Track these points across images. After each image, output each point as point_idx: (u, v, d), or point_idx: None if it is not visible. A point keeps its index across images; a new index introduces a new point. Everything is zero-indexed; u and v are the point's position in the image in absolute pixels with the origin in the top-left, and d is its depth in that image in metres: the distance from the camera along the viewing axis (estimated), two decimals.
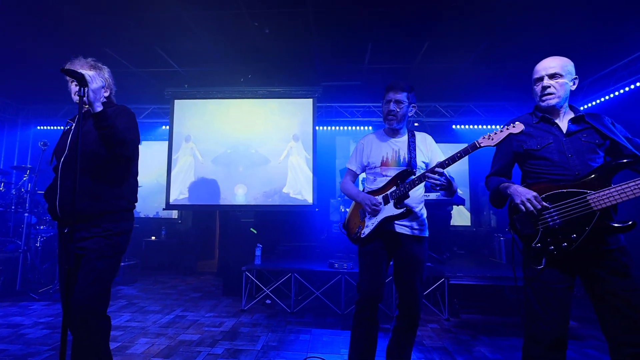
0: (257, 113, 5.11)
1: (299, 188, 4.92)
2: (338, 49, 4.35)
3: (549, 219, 1.48)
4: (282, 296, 3.96)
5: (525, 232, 1.55)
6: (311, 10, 3.56)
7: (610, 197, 1.38)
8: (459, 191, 4.96)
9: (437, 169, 1.69)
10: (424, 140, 2.08)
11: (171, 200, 5.00)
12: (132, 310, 3.67)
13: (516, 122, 1.56)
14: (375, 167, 2.04)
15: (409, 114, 2.05)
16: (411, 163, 1.96)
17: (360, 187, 2.24)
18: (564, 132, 1.60)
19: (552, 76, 1.60)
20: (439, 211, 4.47)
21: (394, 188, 1.90)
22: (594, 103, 4.77)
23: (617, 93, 4.38)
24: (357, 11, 3.59)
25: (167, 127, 5.37)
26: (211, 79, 5.11)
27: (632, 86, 4.18)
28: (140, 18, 3.66)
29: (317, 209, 4.92)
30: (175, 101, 5.14)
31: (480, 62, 4.49)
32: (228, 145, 5.07)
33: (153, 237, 6.06)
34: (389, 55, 4.42)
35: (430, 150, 2.06)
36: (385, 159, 2.02)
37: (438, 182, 1.69)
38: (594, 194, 1.41)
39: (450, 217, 4.67)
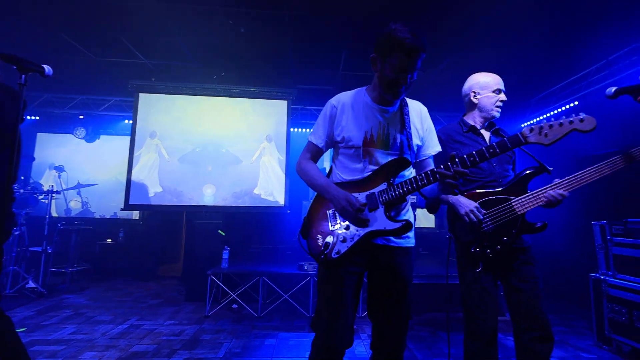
0: (230, 112, 5.01)
1: (271, 189, 4.88)
2: (313, 54, 4.42)
3: (484, 225, 1.61)
4: (249, 300, 3.87)
5: (465, 238, 1.66)
6: (287, 14, 3.59)
7: (530, 201, 1.58)
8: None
9: (459, 169, 1.21)
10: (419, 114, 1.48)
11: (131, 200, 4.71)
12: (78, 321, 3.34)
13: (584, 116, 1.21)
14: (353, 147, 1.38)
15: None
16: (408, 147, 1.40)
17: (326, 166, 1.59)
18: (488, 142, 1.76)
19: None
20: None
21: (383, 186, 1.33)
22: (539, 118, 5.33)
23: (556, 111, 4.96)
24: (331, 20, 3.69)
25: (130, 121, 5.08)
26: (181, 74, 4.92)
27: (568, 106, 4.76)
28: (103, 4, 3.45)
29: (288, 211, 4.90)
30: (140, 95, 4.88)
31: (445, 75, 4.80)
32: (197, 144, 4.90)
33: (109, 240, 5.62)
34: (362, 63, 4.57)
35: (425, 130, 1.48)
36: (369, 137, 1.38)
37: (455, 184, 1.23)
38: (517, 199, 1.59)
39: (415, 219, 4.88)
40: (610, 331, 2.87)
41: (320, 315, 1.37)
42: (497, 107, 1.75)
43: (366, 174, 1.38)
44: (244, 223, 5.17)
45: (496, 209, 1.61)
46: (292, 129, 5.42)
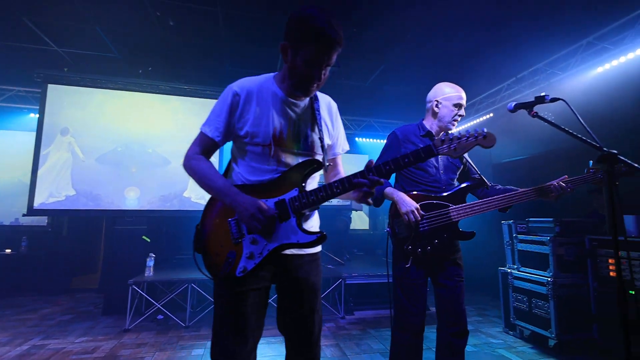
0: (157, 110, 4.67)
1: (202, 192, 4.53)
2: (249, 54, 4.32)
3: (421, 226, 1.70)
4: (177, 310, 3.65)
5: (401, 235, 1.74)
6: (220, 10, 3.46)
7: (465, 211, 1.71)
8: None
9: (374, 178, 1.15)
10: (329, 109, 1.38)
11: (37, 204, 4.13)
12: None
13: (487, 133, 1.29)
14: (258, 145, 1.21)
15: None
16: (320, 147, 1.29)
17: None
18: (459, 135, 1.87)
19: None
20: (340, 216, 4.78)
21: (294, 192, 1.19)
22: (461, 127, 5.85)
23: (476, 121, 5.50)
24: (267, 21, 3.64)
25: (37, 115, 4.47)
26: (100, 66, 4.47)
27: (485, 117, 5.32)
28: None
29: None
30: (49, 86, 4.32)
31: (378, 84, 5.02)
32: (119, 143, 4.47)
33: (8, 250, 4.86)
34: None
35: (336, 128, 1.40)
36: (278, 134, 1.22)
37: (371, 194, 1.18)
38: (455, 207, 1.71)
39: (350, 221, 5.03)
40: (514, 318, 3.22)
41: (221, 340, 1.17)
42: (455, 120, 1.82)
43: (274, 176, 1.22)
44: (172, 228, 4.83)
45: (434, 213, 1.71)
46: None
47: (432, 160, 1.82)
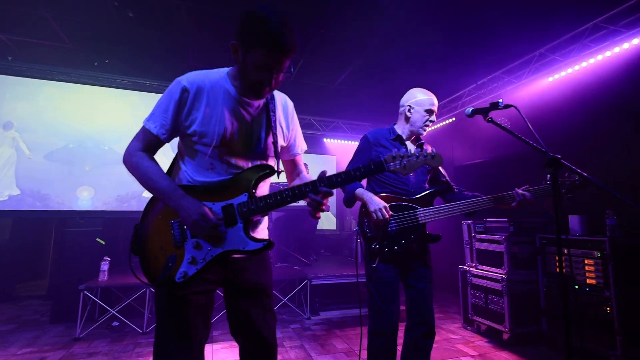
0: (115, 105, 4.42)
1: None
2: (215, 51, 4.20)
3: (388, 226, 1.74)
4: (134, 315, 3.47)
5: (370, 234, 1.78)
6: (183, 4, 3.33)
7: (432, 214, 1.75)
8: None
9: (325, 189, 1.14)
10: (285, 110, 1.34)
11: None
12: None
13: (435, 154, 1.31)
14: (207, 145, 1.17)
15: None
16: (273, 151, 1.27)
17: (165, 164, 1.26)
18: (410, 154, 1.90)
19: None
20: (307, 217, 4.76)
21: (243, 197, 1.15)
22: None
23: (439, 125, 5.71)
24: (233, 17, 3.55)
25: None
26: (51, 56, 4.15)
27: (448, 121, 5.54)
28: None
29: None
30: None
31: (346, 85, 5.07)
32: (71, 139, 4.19)
33: None
34: None
35: (292, 129, 1.37)
36: (228, 135, 1.18)
37: (322, 207, 1.15)
38: (422, 210, 1.76)
39: (317, 222, 5.03)
40: (472, 314, 3.36)
41: (164, 345, 1.12)
42: (426, 125, 1.86)
43: (223, 179, 1.18)
44: (129, 230, 4.57)
45: (402, 214, 1.75)
46: None
47: None
